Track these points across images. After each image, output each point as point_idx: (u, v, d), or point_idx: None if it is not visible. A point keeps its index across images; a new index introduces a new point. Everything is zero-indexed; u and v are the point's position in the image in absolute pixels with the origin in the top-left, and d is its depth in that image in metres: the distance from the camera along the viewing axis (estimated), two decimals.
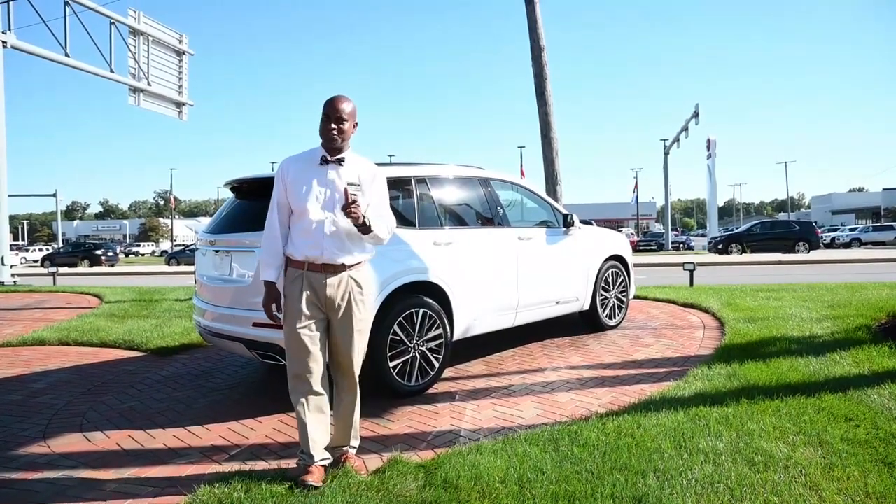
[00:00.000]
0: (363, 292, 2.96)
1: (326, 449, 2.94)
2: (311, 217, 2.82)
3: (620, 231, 14.86)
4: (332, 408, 3.04)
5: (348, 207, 2.71)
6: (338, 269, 2.87)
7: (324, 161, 2.87)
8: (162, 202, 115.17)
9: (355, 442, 3.10)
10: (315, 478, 2.78)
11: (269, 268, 2.92)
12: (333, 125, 2.83)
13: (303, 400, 2.86)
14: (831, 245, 37.09)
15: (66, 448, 3.51)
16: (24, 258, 44.76)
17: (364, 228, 2.80)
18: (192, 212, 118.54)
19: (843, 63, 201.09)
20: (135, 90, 16.81)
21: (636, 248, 34.36)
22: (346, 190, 2.73)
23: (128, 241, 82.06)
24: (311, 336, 2.85)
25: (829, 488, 2.62)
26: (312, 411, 2.86)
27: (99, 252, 35.92)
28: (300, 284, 2.86)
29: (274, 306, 2.92)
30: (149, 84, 17.04)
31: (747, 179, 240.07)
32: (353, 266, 2.91)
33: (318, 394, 2.88)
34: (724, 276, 14.59)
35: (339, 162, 2.88)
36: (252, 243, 4.02)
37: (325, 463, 2.90)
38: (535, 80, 10.25)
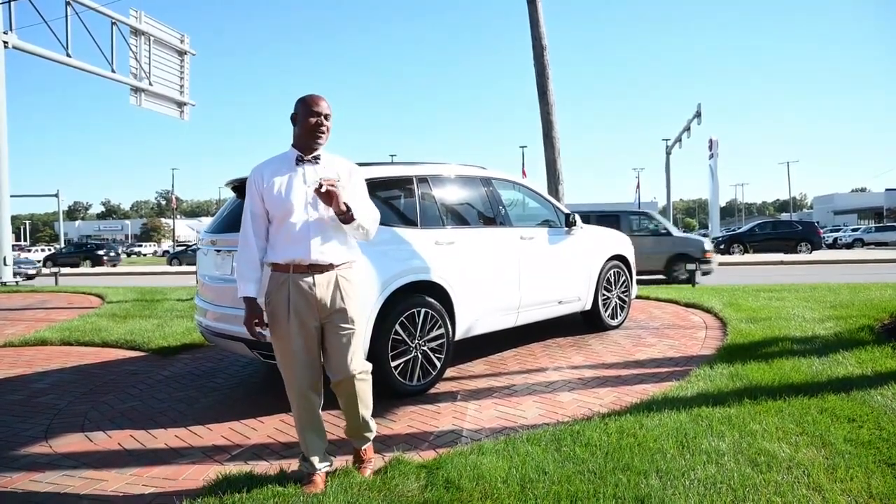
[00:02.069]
0: (355, 291, 2.86)
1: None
2: (293, 219, 2.72)
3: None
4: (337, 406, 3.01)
5: (326, 196, 2.62)
6: (325, 268, 2.76)
7: (300, 161, 2.80)
8: (164, 202, 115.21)
9: (369, 433, 3.01)
10: (318, 488, 2.75)
11: (248, 282, 2.78)
12: (324, 122, 2.79)
13: (301, 409, 2.82)
14: (833, 245, 36.99)
15: (67, 448, 3.51)
16: (26, 258, 44.78)
17: (346, 217, 2.71)
18: (194, 212, 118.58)
19: (846, 63, 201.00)
20: (136, 90, 16.82)
21: None
22: (319, 181, 2.64)
23: (130, 241, 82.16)
24: (302, 345, 2.75)
25: (833, 489, 2.61)
26: (310, 419, 2.84)
27: (101, 252, 35.98)
28: (286, 290, 2.74)
29: (256, 322, 2.78)
30: (150, 84, 17.05)
31: (749, 180, 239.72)
32: (341, 265, 2.81)
33: (315, 402, 2.84)
34: (726, 277, 14.57)
35: (316, 160, 2.82)
36: None
37: (327, 469, 2.89)
38: (537, 80, 10.24)
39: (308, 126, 2.78)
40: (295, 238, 2.73)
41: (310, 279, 2.74)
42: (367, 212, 2.84)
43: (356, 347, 2.86)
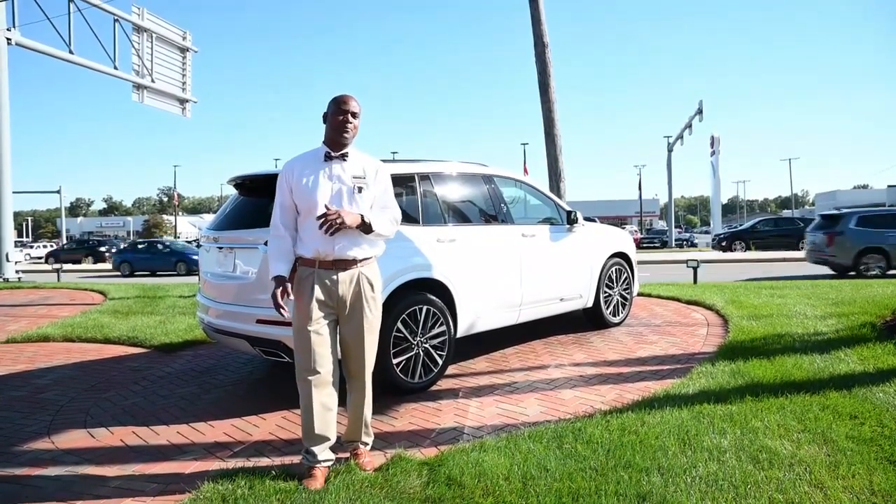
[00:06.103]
0: (374, 289, 2.98)
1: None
2: (318, 213, 2.81)
3: (624, 228, 14.83)
4: (344, 403, 3.06)
5: (328, 222, 2.71)
6: (349, 264, 2.89)
7: (328, 157, 2.91)
8: (165, 199, 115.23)
9: (367, 438, 3.11)
10: (317, 483, 2.77)
11: (277, 262, 2.91)
12: (350, 119, 2.90)
13: (310, 397, 2.85)
14: None
15: (69, 444, 3.52)
16: (28, 255, 44.90)
17: (365, 228, 2.85)
18: (196, 208, 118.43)
19: (848, 59, 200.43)
20: (138, 87, 16.81)
21: (640, 245, 34.30)
22: (326, 207, 2.77)
23: (132, 237, 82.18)
24: (320, 334, 2.85)
25: (834, 486, 2.61)
26: (319, 409, 2.85)
27: (103, 249, 36.00)
28: (311, 282, 2.86)
29: (281, 294, 2.80)
30: (152, 81, 17.04)
31: (751, 177, 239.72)
32: (363, 261, 2.93)
33: (326, 391, 2.88)
34: (727, 274, 14.55)
35: (343, 157, 2.92)
36: (255, 240, 4.02)
37: (329, 464, 2.90)
38: (539, 77, 10.22)
39: (334, 123, 2.90)
40: (319, 233, 2.82)
41: (334, 276, 2.86)
42: (388, 212, 2.99)
43: (371, 348, 2.99)
